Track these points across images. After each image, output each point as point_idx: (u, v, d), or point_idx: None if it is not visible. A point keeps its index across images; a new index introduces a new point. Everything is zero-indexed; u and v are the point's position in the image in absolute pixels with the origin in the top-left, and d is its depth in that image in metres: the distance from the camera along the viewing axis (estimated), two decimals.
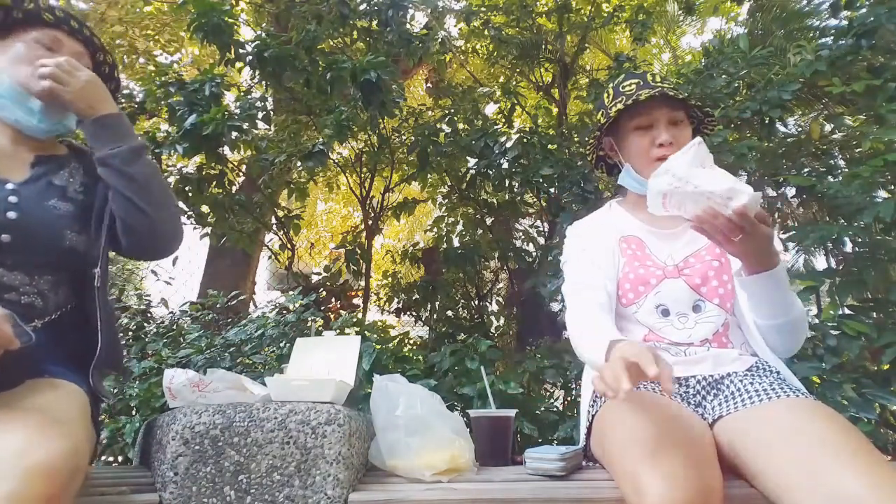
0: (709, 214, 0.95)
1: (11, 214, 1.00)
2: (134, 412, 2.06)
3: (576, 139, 3.19)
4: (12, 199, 1.02)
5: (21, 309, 0.99)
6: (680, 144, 1.19)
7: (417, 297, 3.47)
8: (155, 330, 2.65)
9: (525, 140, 2.80)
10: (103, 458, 2.06)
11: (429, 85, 5.34)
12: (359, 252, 3.45)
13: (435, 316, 3.50)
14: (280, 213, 3.33)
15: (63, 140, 1.26)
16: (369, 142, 3.34)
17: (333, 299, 3.39)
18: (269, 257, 4.23)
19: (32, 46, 1.09)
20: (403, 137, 3.34)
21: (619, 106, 1.23)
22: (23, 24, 1.10)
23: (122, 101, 2.63)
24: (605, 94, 1.34)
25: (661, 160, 1.17)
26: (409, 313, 3.62)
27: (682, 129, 1.22)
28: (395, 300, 3.64)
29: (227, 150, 2.71)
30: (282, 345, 2.29)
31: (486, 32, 3.54)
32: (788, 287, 1.07)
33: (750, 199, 0.92)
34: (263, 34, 2.82)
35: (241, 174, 3.47)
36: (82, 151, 1.24)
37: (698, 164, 0.97)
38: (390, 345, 2.29)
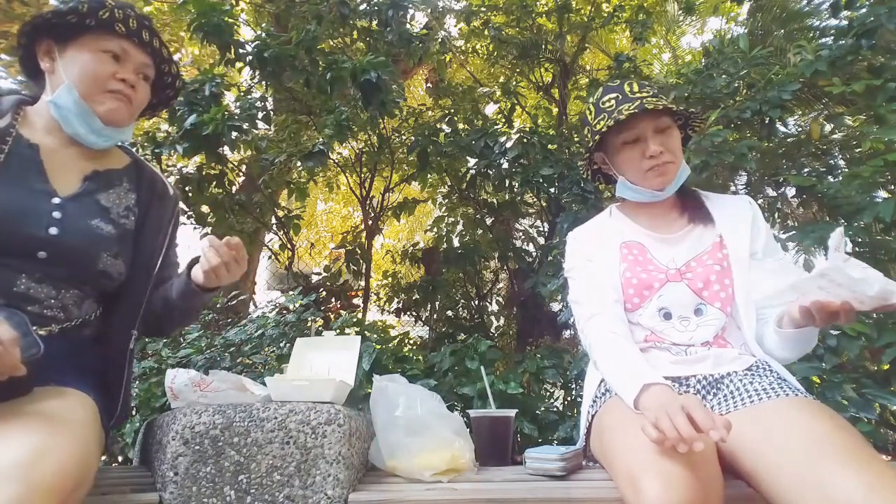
0: (851, 309, 0.91)
1: (53, 231, 1.00)
2: (134, 412, 2.06)
3: (576, 139, 3.19)
4: (56, 214, 1.01)
5: (42, 320, 0.99)
6: (669, 149, 1.21)
7: (417, 297, 3.47)
8: None
9: (525, 140, 2.80)
10: (103, 457, 2.06)
11: (429, 85, 5.33)
12: (359, 252, 3.45)
13: (435, 316, 3.50)
14: (280, 213, 3.33)
15: (126, 149, 1.23)
16: (369, 142, 3.34)
17: (333, 299, 3.39)
18: (269, 257, 4.23)
19: (100, 58, 1.07)
20: (403, 137, 3.34)
21: (603, 125, 1.23)
22: (93, 31, 1.07)
23: None
24: (588, 112, 1.33)
25: (653, 170, 1.20)
26: (409, 313, 3.62)
27: (670, 135, 1.23)
28: (395, 300, 3.64)
29: (227, 150, 2.71)
30: (282, 345, 2.29)
31: (486, 32, 3.54)
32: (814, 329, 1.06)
33: None
34: (263, 34, 2.82)
35: (241, 174, 3.47)
36: (142, 168, 1.21)
37: (845, 258, 0.90)
38: (390, 345, 2.29)
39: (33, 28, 1.08)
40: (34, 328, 0.87)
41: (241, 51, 2.74)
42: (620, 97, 1.24)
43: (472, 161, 3.10)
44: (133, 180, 1.18)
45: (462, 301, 3.61)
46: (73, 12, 1.04)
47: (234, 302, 2.96)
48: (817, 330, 1.04)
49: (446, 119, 3.16)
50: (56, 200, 1.03)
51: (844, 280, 0.89)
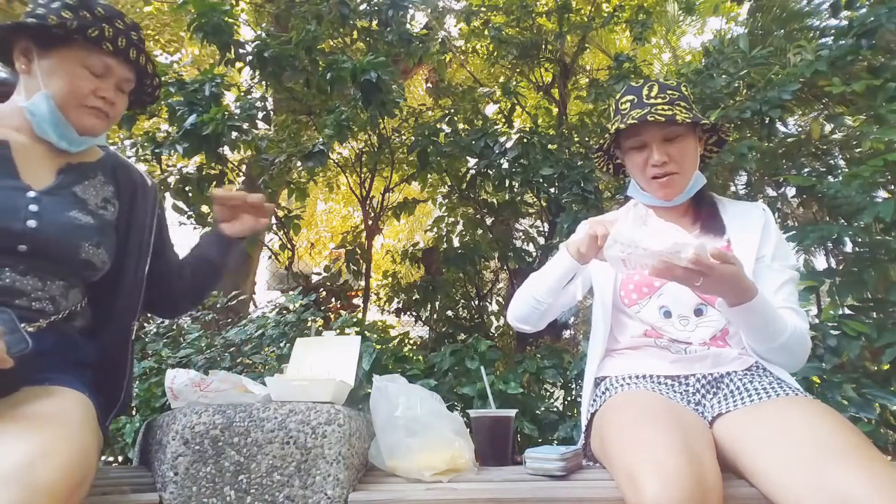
0: (665, 268, 0.97)
1: (31, 223, 0.99)
2: (134, 412, 2.06)
3: (576, 139, 3.19)
4: (33, 207, 1.01)
5: (30, 314, 0.98)
6: (676, 160, 1.20)
7: (417, 297, 3.47)
8: (155, 330, 2.65)
9: (525, 140, 2.81)
10: (103, 457, 2.06)
11: (429, 85, 5.34)
12: (359, 252, 3.46)
13: (435, 316, 3.50)
14: (280, 213, 3.33)
15: (103, 146, 1.23)
16: (369, 142, 3.34)
17: (333, 299, 3.39)
18: (269, 257, 4.23)
19: (82, 74, 1.05)
20: (403, 137, 3.34)
21: (615, 127, 1.24)
22: (78, 44, 1.05)
23: None
24: (610, 107, 1.35)
25: (657, 178, 1.21)
26: (409, 313, 3.63)
27: (678, 143, 1.21)
28: (395, 300, 3.64)
29: (227, 150, 2.71)
30: (282, 345, 2.29)
31: (486, 32, 3.55)
32: (774, 315, 1.07)
33: (696, 248, 0.95)
34: (263, 34, 2.82)
35: (241, 174, 3.47)
36: (116, 161, 1.21)
37: (641, 224, 1.02)
38: (390, 345, 2.29)
39: (14, 26, 1.05)
40: (22, 325, 0.87)
41: (241, 51, 2.74)
42: (636, 100, 1.23)
43: (472, 161, 3.10)
44: (108, 173, 1.18)
45: (462, 301, 3.61)
46: (61, 26, 1.02)
47: (234, 302, 2.96)
48: (753, 308, 1.03)
49: (446, 119, 3.16)
50: (31, 194, 1.02)
51: (631, 241, 1.01)
